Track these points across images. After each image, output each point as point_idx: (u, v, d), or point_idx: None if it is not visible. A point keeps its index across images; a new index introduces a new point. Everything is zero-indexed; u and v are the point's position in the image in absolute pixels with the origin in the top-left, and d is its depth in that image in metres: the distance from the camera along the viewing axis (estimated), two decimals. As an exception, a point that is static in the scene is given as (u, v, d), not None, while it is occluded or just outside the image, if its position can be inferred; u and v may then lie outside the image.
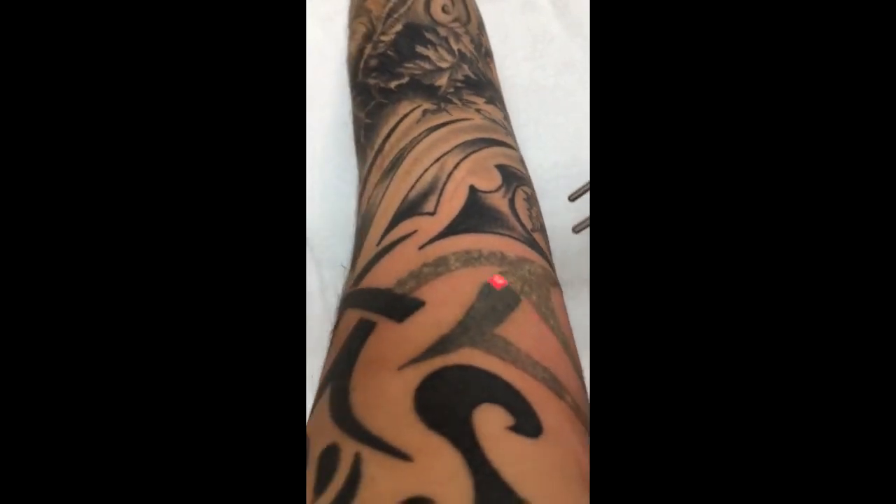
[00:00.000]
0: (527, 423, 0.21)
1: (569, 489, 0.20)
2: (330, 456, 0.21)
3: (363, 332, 0.25)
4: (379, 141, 0.32)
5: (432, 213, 0.27)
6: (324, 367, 0.27)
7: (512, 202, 0.29)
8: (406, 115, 0.32)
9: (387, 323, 0.25)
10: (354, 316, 0.26)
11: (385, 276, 0.26)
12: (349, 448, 0.21)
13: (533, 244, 0.28)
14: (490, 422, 0.20)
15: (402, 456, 0.20)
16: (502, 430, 0.20)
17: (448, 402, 0.21)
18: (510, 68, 0.45)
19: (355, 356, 0.24)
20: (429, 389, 0.22)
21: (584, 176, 0.41)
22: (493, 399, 0.21)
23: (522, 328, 0.24)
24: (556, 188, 0.42)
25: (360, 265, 0.28)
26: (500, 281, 0.25)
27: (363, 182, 0.33)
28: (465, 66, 0.36)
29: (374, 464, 0.20)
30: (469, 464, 0.19)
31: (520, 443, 0.20)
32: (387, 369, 0.23)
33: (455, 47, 0.36)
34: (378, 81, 0.34)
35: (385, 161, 0.31)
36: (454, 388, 0.22)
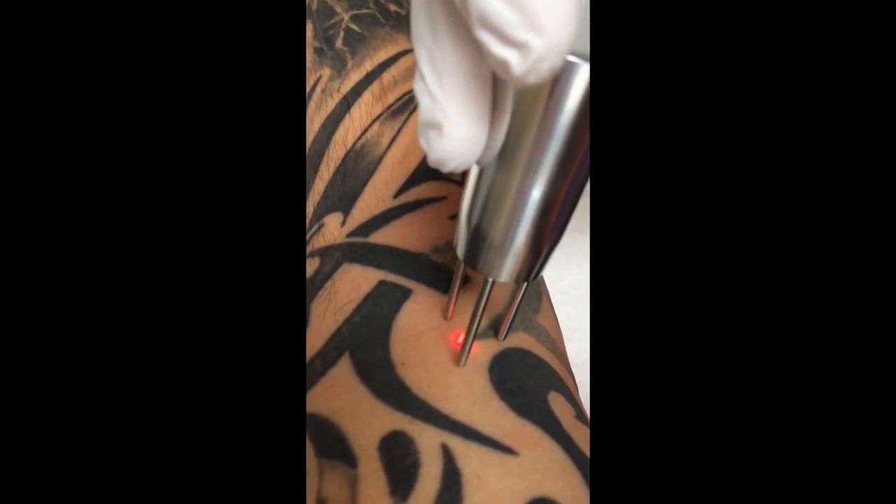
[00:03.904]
0: (580, 413, 0.23)
1: None
2: (398, 447, 0.19)
3: (393, 296, 0.23)
4: (371, 62, 0.29)
5: (459, 182, 0.26)
6: (321, 328, 0.23)
7: None
8: (406, 53, 0.29)
9: (428, 291, 0.23)
10: (368, 275, 0.24)
11: (413, 237, 0.25)
12: (428, 437, 0.19)
13: None
14: (563, 410, 0.22)
15: (506, 450, 0.19)
16: (574, 420, 0.22)
17: (523, 386, 0.21)
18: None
19: (388, 323, 0.23)
20: (501, 370, 0.21)
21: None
22: (555, 388, 0.22)
23: (548, 315, 0.25)
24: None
25: (364, 213, 0.25)
26: None
27: (339, 96, 0.28)
28: None
29: (476, 459, 0.19)
30: (571, 457, 0.20)
31: (587, 433, 0.22)
32: (446, 342, 0.22)
33: None
34: None
35: (388, 95, 0.28)
36: (524, 371, 0.22)
